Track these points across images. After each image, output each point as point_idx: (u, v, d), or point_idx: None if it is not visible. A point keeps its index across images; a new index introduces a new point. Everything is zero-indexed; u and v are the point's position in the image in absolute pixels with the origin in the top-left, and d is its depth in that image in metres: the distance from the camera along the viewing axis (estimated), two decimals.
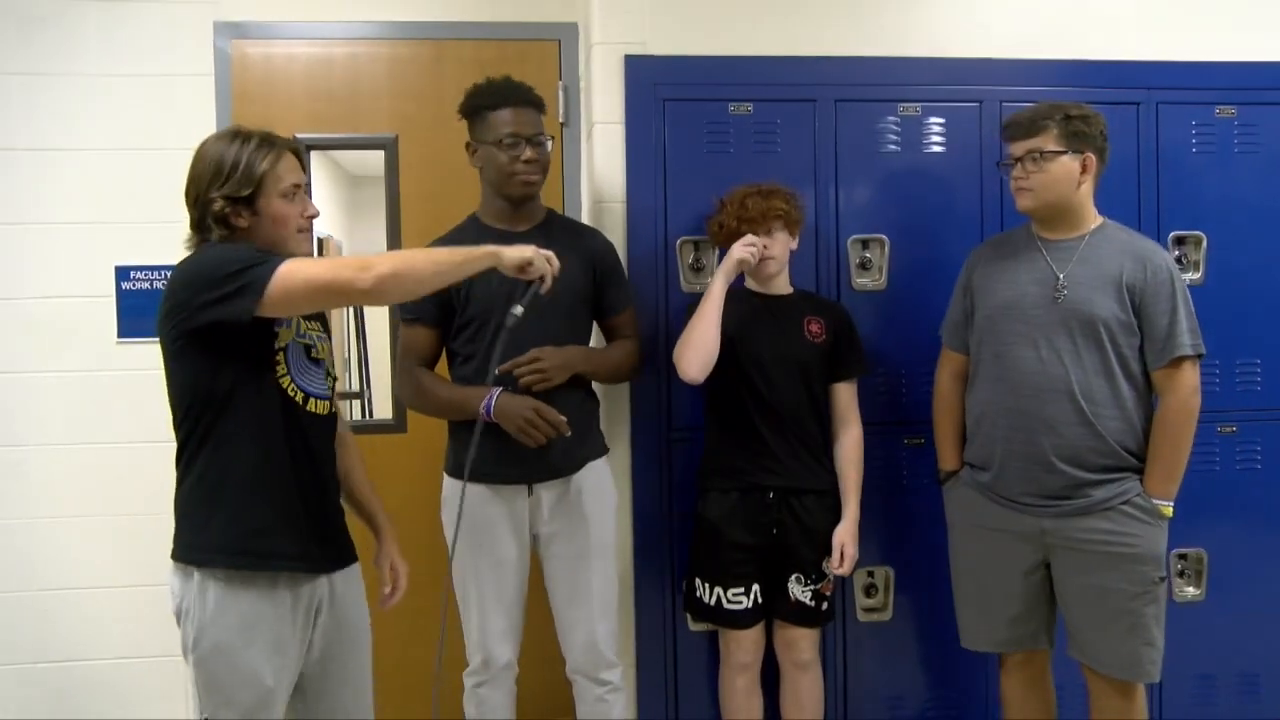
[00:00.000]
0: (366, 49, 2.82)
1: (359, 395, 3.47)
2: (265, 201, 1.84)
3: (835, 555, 2.47)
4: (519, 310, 1.97)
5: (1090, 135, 2.26)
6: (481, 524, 2.30)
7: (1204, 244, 2.80)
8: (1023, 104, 2.63)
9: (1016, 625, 2.37)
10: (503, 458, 2.25)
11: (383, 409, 3.17)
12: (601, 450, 2.46)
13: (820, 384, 2.52)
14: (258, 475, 1.84)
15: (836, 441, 2.54)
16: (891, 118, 2.74)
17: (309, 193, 1.95)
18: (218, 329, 1.76)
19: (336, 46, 2.81)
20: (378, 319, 3.33)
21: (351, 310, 3.57)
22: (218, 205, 1.81)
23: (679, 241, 2.68)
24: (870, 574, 2.76)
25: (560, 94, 2.83)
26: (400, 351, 2.41)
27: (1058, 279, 2.27)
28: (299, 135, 2.76)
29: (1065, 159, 2.25)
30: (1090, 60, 2.78)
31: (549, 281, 1.97)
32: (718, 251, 2.62)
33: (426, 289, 1.88)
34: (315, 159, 2.84)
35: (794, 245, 2.52)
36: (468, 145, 2.36)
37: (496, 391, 2.21)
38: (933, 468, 2.60)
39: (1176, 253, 2.77)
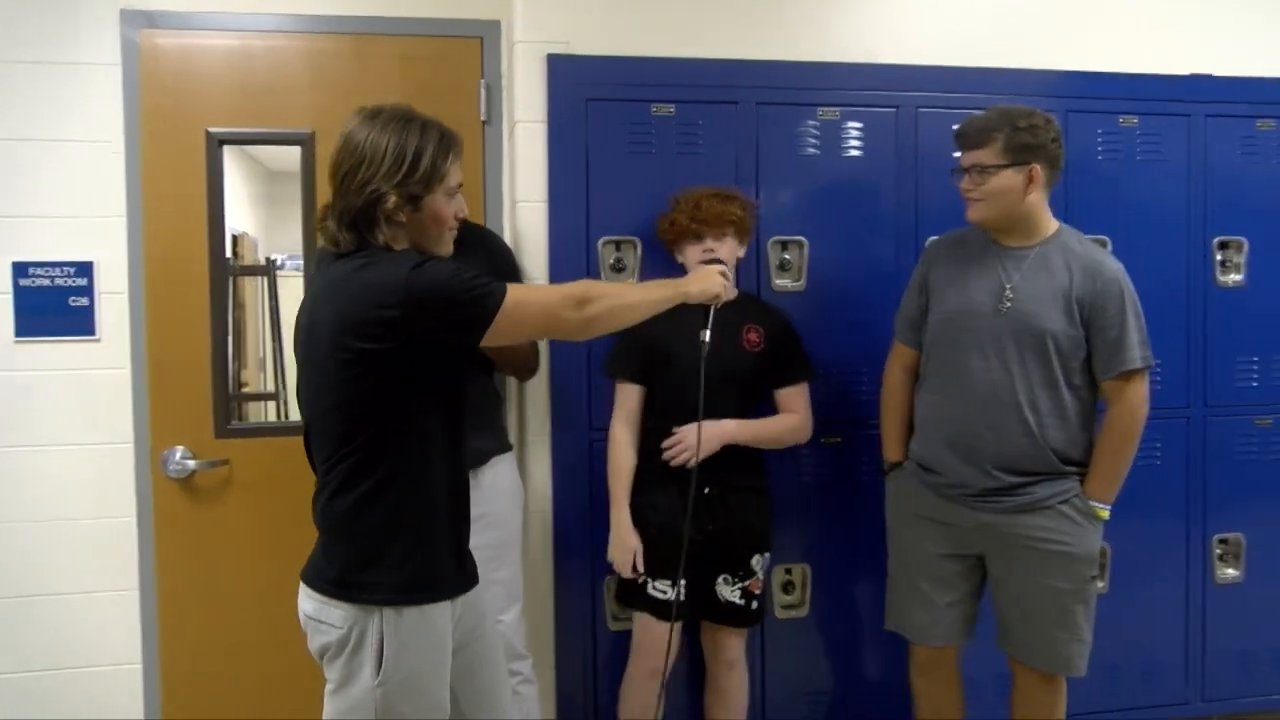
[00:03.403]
0: (285, 42, 2.76)
1: (274, 396, 3.36)
2: (431, 199, 1.71)
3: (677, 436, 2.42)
4: (707, 335, 2.13)
5: (1037, 145, 2.24)
6: None
7: (1109, 247, 2.89)
8: (938, 110, 2.71)
9: (943, 614, 2.39)
10: None
11: (297, 410, 3.08)
12: (506, 446, 2.50)
13: (757, 391, 2.52)
14: (451, 507, 1.75)
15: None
16: (811, 121, 2.77)
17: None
18: (428, 350, 1.65)
19: (254, 39, 2.74)
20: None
21: (267, 307, 3.48)
22: (392, 202, 1.65)
23: (600, 241, 2.67)
24: (788, 571, 2.80)
25: (482, 91, 2.81)
26: None
27: (1004, 289, 2.29)
28: (213, 129, 2.72)
29: (1008, 173, 2.24)
30: (1003, 68, 2.85)
31: (724, 295, 2.05)
32: (647, 248, 2.63)
33: (625, 326, 1.91)
34: (231, 154, 2.77)
35: (741, 253, 2.53)
36: None
37: None
38: (851, 466, 2.65)
39: None
